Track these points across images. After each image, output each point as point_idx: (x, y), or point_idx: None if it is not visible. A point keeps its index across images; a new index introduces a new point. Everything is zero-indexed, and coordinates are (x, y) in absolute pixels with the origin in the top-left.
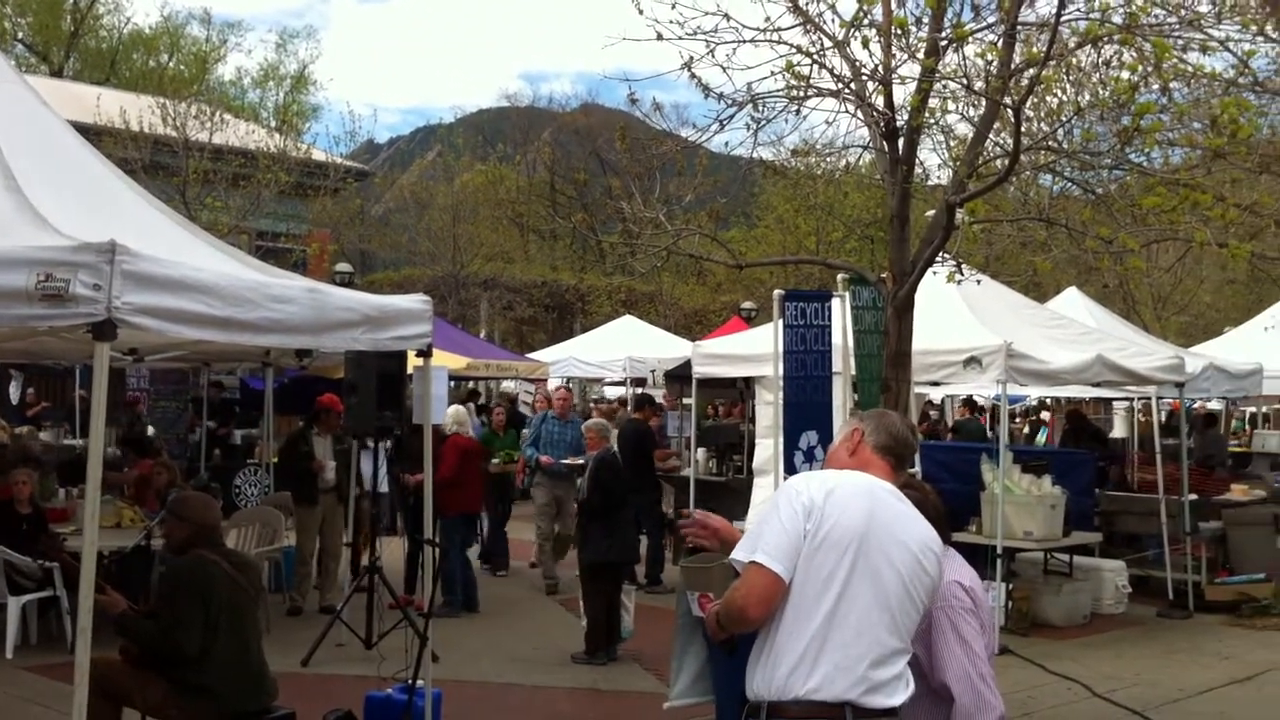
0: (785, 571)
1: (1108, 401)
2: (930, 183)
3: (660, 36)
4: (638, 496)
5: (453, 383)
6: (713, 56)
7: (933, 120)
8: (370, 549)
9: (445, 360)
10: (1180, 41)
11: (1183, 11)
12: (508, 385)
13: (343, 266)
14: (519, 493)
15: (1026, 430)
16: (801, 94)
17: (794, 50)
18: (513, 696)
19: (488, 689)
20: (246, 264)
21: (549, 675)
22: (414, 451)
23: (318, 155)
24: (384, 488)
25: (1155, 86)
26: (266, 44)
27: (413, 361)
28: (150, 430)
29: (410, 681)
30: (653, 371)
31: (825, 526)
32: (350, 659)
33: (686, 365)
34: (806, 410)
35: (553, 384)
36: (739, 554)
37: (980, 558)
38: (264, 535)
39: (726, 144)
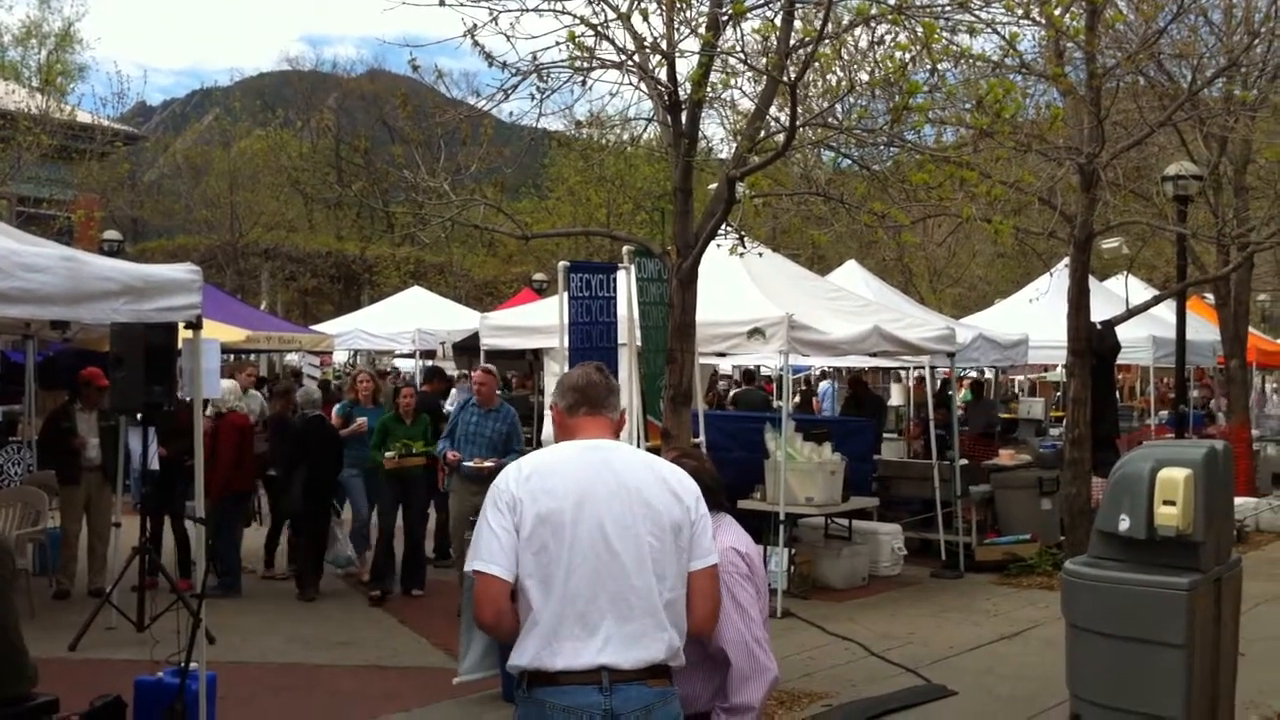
0: (503, 570)
1: (886, 370)
2: (719, 156)
3: (443, 2)
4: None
5: (229, 356)
6: (496, 24)
7: (714, 95)
8: (140, 529)
9: (222, 332)
10: (950, 23)
11: None
12: (291, 358)
13: (111, 234)
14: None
15: (798, 400)
16: (586, 65)
17: (577, 21)
18: (293, 676)
19: (267, 669)
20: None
21: (331, 654)
22: (172, 427)
23: (83, 117)
24: (154, 465)
25: (927, 66)
26: None
27: (183, 334)
28: None
29: (183, 664)
30: (442, 344)
31: (528, 512)
32: (121, 643)
33: (475, 337)
34: None
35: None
36: (466, 566)
37: (765, 524)
38: (26, 516)
39: (511, 114)
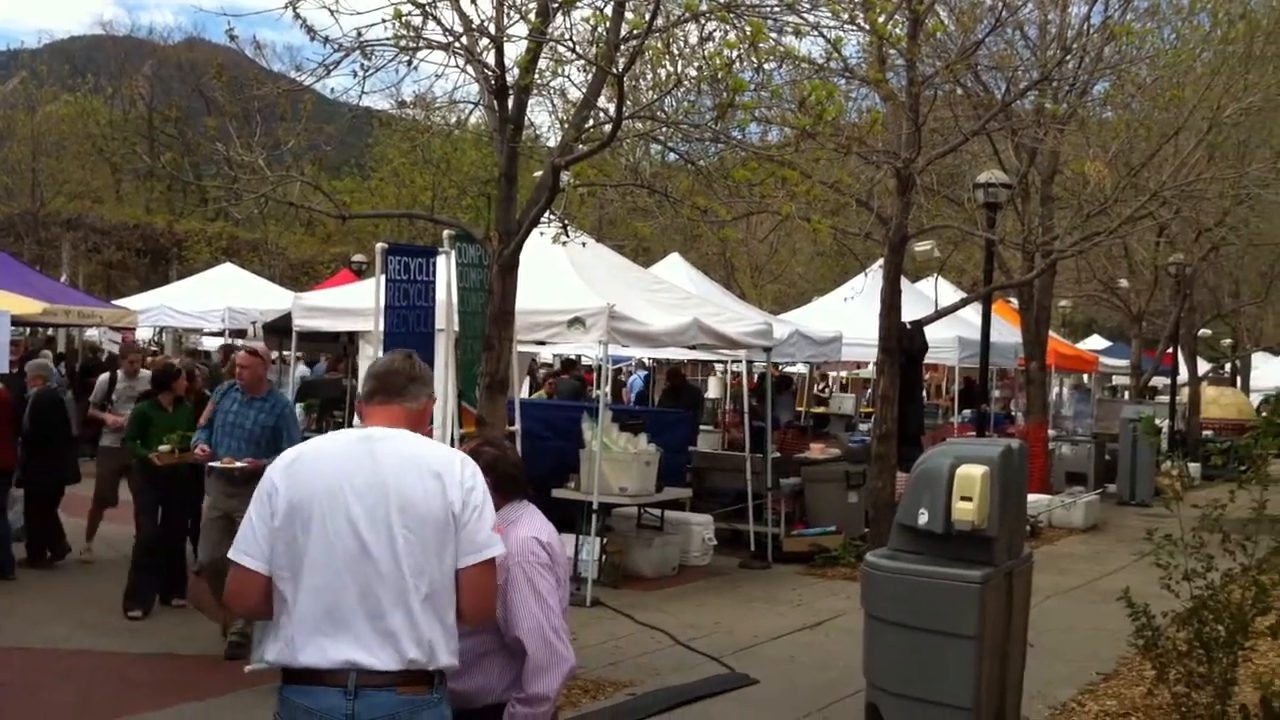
0: (254, 560)
1: (707, 363)
2: (545, 143)
3: None
4: None
5: (23, 329)
6: None
7: (542, 82)
8: None
9: (17, 304)
10: (777, 24)
11: None
12: (91, 334)
13: None
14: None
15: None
16: (412, 45)
17: None
18: (82, 662)
19: (55, 655)
20: None
21: (122, 640)
22: None
23: None
24: None
25: (753, 65)
26: None
27: None
28: None
29: None
30: (254, 323)
31: (282, 501)
32: None
33: (288, 318)
34: None
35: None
36: (230, 553)
37: (578, 512)
38: None
39: (333, 90)
